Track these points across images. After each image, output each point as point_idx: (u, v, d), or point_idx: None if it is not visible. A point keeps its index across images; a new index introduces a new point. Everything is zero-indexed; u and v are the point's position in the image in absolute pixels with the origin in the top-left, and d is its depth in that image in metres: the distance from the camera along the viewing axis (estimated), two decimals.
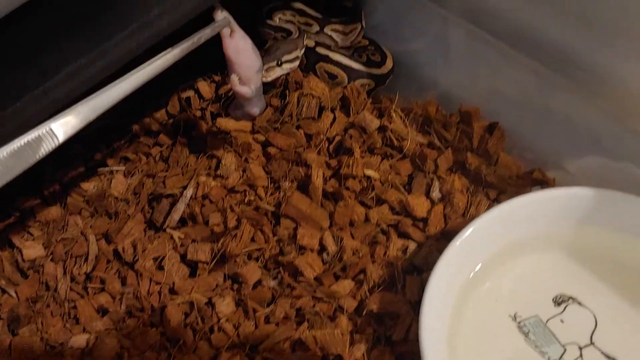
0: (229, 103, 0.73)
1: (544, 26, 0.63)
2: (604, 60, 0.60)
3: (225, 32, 0.60)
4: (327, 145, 0.76)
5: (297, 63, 0.76)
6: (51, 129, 0.48)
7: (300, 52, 0.77)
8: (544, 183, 0.69)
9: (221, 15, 0.59)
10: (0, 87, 0.51)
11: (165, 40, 0.56)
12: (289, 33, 0.80)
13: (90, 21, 0.55)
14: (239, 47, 0.62)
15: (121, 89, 0.51)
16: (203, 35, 0.57)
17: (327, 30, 0.81)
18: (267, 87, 0.80)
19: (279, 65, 0.73)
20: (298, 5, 0.82)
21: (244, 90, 0.64)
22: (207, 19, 0.60)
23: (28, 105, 0.51)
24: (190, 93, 0.82)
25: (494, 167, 0.71)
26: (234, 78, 0.63)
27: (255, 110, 0.68)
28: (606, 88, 0.61)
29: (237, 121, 0.72)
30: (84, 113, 0.49)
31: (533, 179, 0.69)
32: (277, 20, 0.82)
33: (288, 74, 0.79)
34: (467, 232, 0.57)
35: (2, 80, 0.51)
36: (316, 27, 0.81)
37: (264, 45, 0.79)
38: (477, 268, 0.61)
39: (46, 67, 0.52)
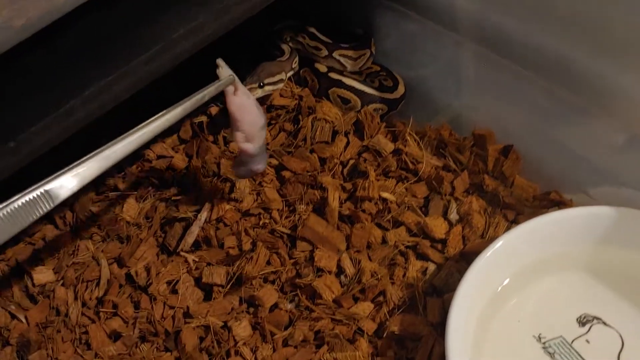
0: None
1: (558, 47, 0.63)
2: (619, 79, 0.60)
3: (230, 89, 0.60)
4: (341, 168, 0.76)
5: (280, 85, 0.77)
6: (47, 191, 0.47)
7: (285, 75, 0.78)
8: (561, 204, 0.69)
9: (226, 73, 0.59)
10: (26, 106, 0.51)
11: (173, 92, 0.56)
12: (283, 54, 0.81)
13: (113, 42, 0.55)
14: (243, 104, 0.61)
15: (120, 150, 0.50)
16: (207, 93, 0.57)
17: (335, 55, 0.82)
18: (279, 110, 0.81)
19: (261, 87, 0.74)
20: (311, 29, 0.83)
21: (248, 147, 0.63)
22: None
23: (52, 125, 0.50)
24: (203, 118, 0.82)
25: (510, 189, 0.70)
26: (239, 135, 0.62)
27: (259, 167, 0.66)
28: (622, 107, 0.62)
29: (240, 179, 0.71)
30: (82, 174, 0.48)
31: (550, 200, 0.69)
32: (288, 39, 0.83)
33: (301, 98, 0.80)
34: (497, 244, 0.57)
35: (28, 100, 0.51)
36: (325, 52, 0.82)
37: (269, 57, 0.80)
38: (500, 288, 0.60)
39: (69, 88, 0.52)
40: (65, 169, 0.48)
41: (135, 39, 0.55)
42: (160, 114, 0.53)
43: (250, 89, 0.72)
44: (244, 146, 0.63)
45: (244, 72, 0.76)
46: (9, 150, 0.48)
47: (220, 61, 0.59)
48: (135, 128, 0.52)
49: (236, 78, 0.60)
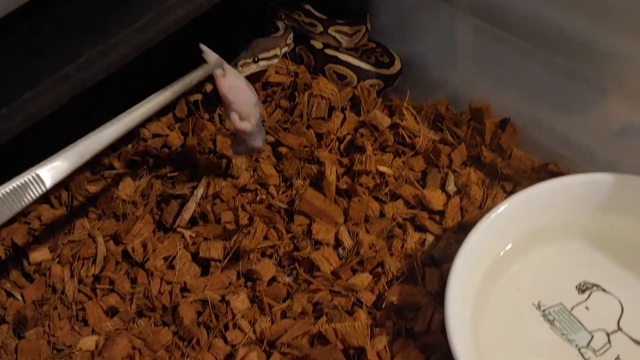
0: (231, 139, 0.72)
1: (558, 17, 0.63)
2: (623, 49, 0.59)
3: (218, 72, 0.61)
4: (337, 144, 0.76)
5: (275, 61, 0.77)
6: (38, 175, 0.47)
7: (280, 51, 0.78)
8: (559, 175, 0.68)
9: (212, 56, 0.60)
10: (20, 73, 0.50)
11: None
12: (277, 30, 0.80)
13: (109, 9, 0.55)
14: (234, 84, 0.62)
15: (110, 133, 0.51)
16: (195, 77, 0.58)
17: (330, 31, 0.82)
18: (274, 88, 0.80)
19: (255, 62, 0.74)
20: (306, 5, 0.82)
21: (245, 125, 0.64)
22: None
23: (46, 91, 0.50)
24: (198, 96, 0.81)
25: (508, 161, 0.70)
26: (234, 116, 0.63)
27: (258, 142, 0.67)
28: (624, 78, 0.61)
29: (240, 158, 0.72)
30: (73, 157, 0.49)
31: (548, 172, 0.69)
32: (283, 16, 0.82)
33: (297, 75, 0.80)
34: (501, 208, 0.57)
35: (22, 66, 0.51)
36: (320, 28, 0.82)
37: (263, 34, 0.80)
38: (502, 253, 0.60)
39: (65, 54, 0.51)
40: (59, 153, 0.49)
41: (129, 8, 0.54)
42: (150, 97, 0.54)
43: (244, 64, 0.72)
44: (241, 125, 0.63)
45: (238, 49, 0.76)
46: (2, 117, 0.48)
47: (203, 46, 0.60)
48: (126, 111, 0.52)
49: (223, 61, 0.60)
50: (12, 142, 0.51)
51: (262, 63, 0.75)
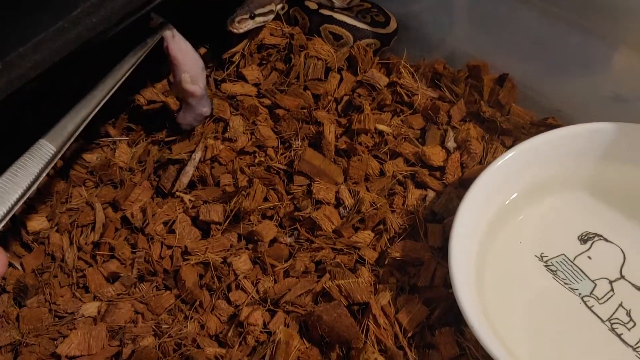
0: (179, 110, 0.73)
1: None
2: None
3: (168, 34, 0.64)
4: (335, 105, 0.75)
5: (270, 17, 0.77)
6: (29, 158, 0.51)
7: (275, 7, 0.77)
8: None
9: (159, 20, 0.63)
10: (14, 27, 0.49)
11: None
12: None
13: None
14: (182, 47, 0.66)
15: (86, 108, 0.55)
16: (150, 40, 0.62)
17: None
18: (270, 50, 0.79)
19: (252, 18, 0.74)
20: None
21: (195, 88, 0.67)
22: None
23: (41, 45, 0.49)
24: None
25: (507, 117, 0.70)
26: (185, 77, 0.66)
27: (206, 109, 0.70)
28: (628, 28, 0.61)
29: (188, 129, 0.73)
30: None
31: (548, 126, 0.68)
32: None
33: (292, 36, 0.78)
34: (508, 155, 0.57)
35: (15, 21, 0.50)
36: None
37: None
38: (506, 203, 0.60)
39: (59, 8, 0.50)
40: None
41: None
42: (115, 68, 0.58)
43: (241, 20, 0.72)
44: (192, 87, 0.67)
45: (234, 5, 0.75)
46: None
47: (153, 14, 0.63)
48: (97, 85, 0.56)
49: (170, 25, 0.64)
50: None
51: (259, 19, 0.74)
